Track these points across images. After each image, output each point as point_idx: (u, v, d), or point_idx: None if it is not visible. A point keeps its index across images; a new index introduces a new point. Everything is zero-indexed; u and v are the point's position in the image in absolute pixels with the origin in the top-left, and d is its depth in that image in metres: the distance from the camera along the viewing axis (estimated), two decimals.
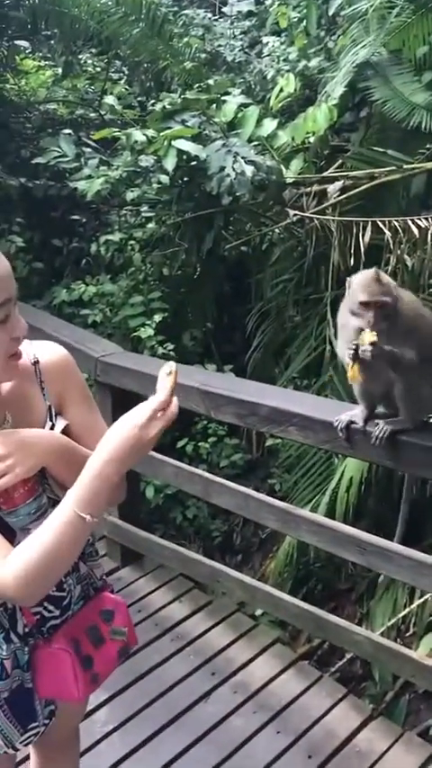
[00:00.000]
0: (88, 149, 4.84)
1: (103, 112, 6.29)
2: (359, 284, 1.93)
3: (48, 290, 4.83)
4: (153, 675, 2.83)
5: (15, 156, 5.86)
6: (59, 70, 7.87)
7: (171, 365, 1.31)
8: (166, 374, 1.29)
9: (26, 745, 1.60)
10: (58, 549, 1.25)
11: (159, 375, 1.30)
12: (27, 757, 2.02)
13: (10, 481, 1.36)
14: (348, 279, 2.00)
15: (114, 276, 4.76)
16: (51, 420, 1.50)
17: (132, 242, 4.71)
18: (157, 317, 4.17)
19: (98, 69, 7.84)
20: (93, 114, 6.71)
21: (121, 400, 3.05)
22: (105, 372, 2.99)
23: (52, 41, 7.63)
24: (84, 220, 5.24)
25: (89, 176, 4.15)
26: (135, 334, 4.10)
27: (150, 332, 4.05)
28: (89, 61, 8.12)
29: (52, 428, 1.49)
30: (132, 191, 4.28)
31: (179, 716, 2.66)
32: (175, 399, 1.27)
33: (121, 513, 3.32)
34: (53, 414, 1.51)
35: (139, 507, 3.57)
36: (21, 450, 1.37)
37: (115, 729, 2.61)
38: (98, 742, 2.55)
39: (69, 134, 5.13)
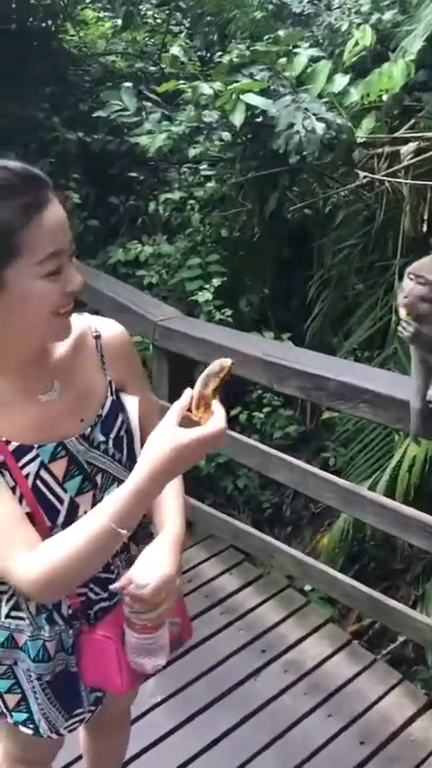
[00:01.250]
0: (149, 103, 4.68)
1: (163, 66, 6.10)
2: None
3: (102, 249, 4.72)
4: (202, 648, 2.78)
5: (74, 109, 5.74)
6: (119, 22, 7.68)
7: (226, 361, 1.17)
8: (216, 373, 1.16)
9: (71, 731, 1.54)
10: (87, 556, 1.18)
11: (208, 370, 1.17)
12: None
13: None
14: None
15: (171, 236, 4.62)
16: (112, 395, 1.39)
17: (192, 201, 4.55)
18: (216, 281, 4.03)
19: (158, 21, 7.63)
20: (153, 68, 6.53)
21: (178, 366, 2.97)
22: (164, 337, 2.89)
23: None
24: (142, 177, 5.10)
25: (150, 131, 4.00)
26: (192, 297, 3.97)
27: (208, 296, 3.92)
28: (149, 13, 7.91)
29: (113, 402, 1.39)
30: (194, 147, 4.11)
31: (228, 692, 2.61)
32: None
33: None
34: (113, 389, 1.40)
35: (191, 474, 3.49)
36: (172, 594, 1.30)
37: (163, 701, 2.55)
38: (145, 713, 2.50)
39: (130, 87, 4.97)
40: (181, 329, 2.82)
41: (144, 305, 3.05)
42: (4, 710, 1.49)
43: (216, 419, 1.14)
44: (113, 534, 1.15)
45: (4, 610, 1.41)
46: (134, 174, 5.02)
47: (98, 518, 1.17)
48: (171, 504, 1.44)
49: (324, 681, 2.65)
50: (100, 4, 8.29)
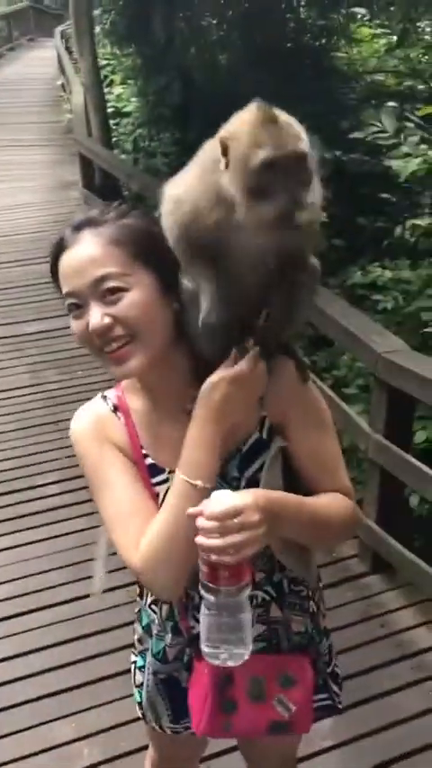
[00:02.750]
0: (411, 125, 4.54)
1: None
2: None
3: (343, 269, 4.68)
4: (384, 702, 2.62)
5: (334, 127, 5.77)
6: (394, 38, 7.59)
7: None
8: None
9: (175, 732, 1.54)
10: (174, 523, 1.20)
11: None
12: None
13: (249, 554, 1.15)
14: None
15: (415, 262, 4.45)
16: (261, 432, 1.30)
17: None
18: None
19: None
20: (422, 86, 6.35)
21: (398, 404, 2.83)
22: (387, 370, 2.77)
23: (392, 8, 7.36)
24: (394, 200, 4.98)
25: (407, 154, 3.87)
26: (427, 329, 3.79)
27: None
28: (427, 29, 7.71)
29: (259, 440, 1.30)
30: None
31: (406, 756, 2.43)
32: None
33: (379, 517, 3.12)
34: (266, 426, 1.31)
35: (399, 515, 3.31)
36: (272, 515, 1.18)
37: (334, 747, 2.46)
38: (314, 755, 2.42)
39: (394, 107, 4.87)
40: (404, 364, 2.68)
41: (370, 333, 2.95)
42: (132, 681, 1.61)
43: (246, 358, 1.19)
44: (190, 489, 1.20)
45: (149, 599, 1.47)
46: (386, 196, 4.90)
47: (174, 484, 1.23)
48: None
49: None
50: (378, 21, 8.25)
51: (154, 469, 1.32)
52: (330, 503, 1.31)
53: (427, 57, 7.32)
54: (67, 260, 1.22)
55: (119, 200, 1.33)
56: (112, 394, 1.38)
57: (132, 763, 2.37)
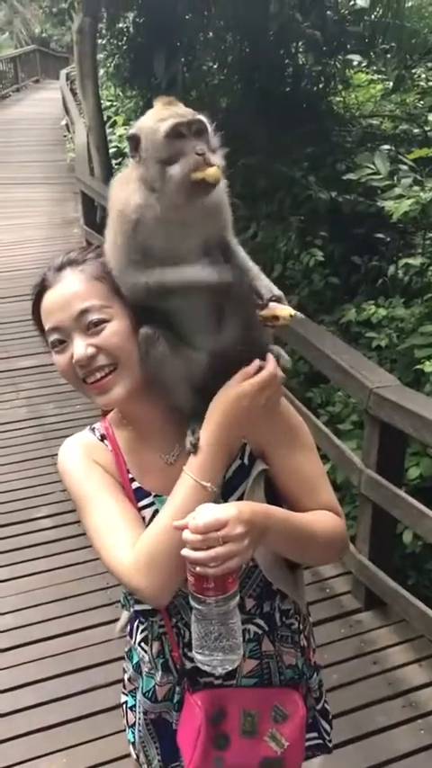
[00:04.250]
0: (404, 167, 4.66)
1: (427, 129, 6.06)
2: None
3: (338, 307, 4.76)
4: (376, 739, 2.61)
5: (331, 169, 5.90)
6: (390, 84, 7.78)
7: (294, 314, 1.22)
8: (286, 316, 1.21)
9: None
10: (173, 543, 1.18)
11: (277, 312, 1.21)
12: None
13: (234, 566, 1.17)
14: None
15: (409, 300, 4.53)
16: (242, 459, 1.34)
17: None
18: None
19: (431, 84, 7.60)
20: (417, 130, 6.51)
21: (389, 438, 2.86)
22: (378, 405, 2.81)
23: (388, 55, 7.57)
24: (388, 240, 5.09)
25: (400, 196, 3.97)
26: (419, 366, 3.84)
27: None
28: (423, 75, 7.92)
29: (241, 466, 1.34)
30: None
31: None
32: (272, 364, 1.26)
33: (372, 553, 3.13)
34: (247, 452, 1.34)
35: (392, 552, 3.33)
36: (258, 528, 1.20)
37: None
38: None
39: (389, 150, 5.01)
40: (395, 399, 2.73)
41: (362, 369, 3.00)
42: (124, 721, 1.59)
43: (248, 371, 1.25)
44: (199, 489, 1.23)
45: (138, 637, 1.47)
46: (380, 236, 5.01)
47: (182, 482, 1.24)
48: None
49: None
50: (374, 68, 8.47)
51: (140, 493, 1.35)
52: (317, 518, 1.33)
53: (422, 102, 7.50)
54: (51, 297, 1.28)
55: (96, 244, 1.38)
56: (99, 426, 1.43)
57: None
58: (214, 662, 1.19)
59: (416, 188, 3.98)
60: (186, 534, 1.13)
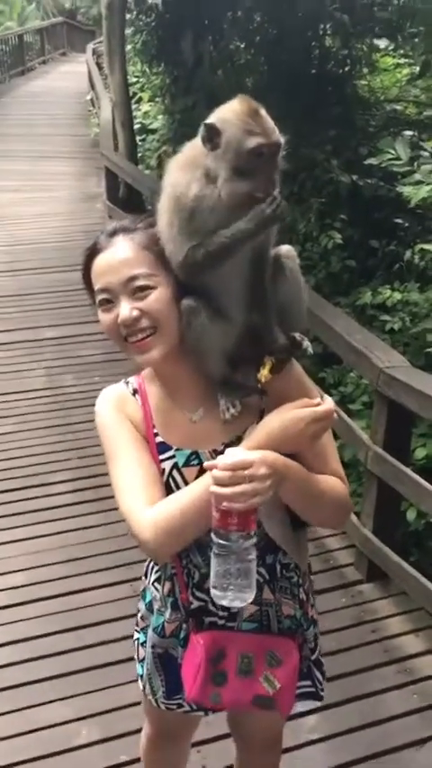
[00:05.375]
0: (426, 153, 4.71)
1: None
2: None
3: (354, 290, 4.84)
4: (370, 702, 2.73)
5: (353, 152, 5.94)
6: (417, 69, 7.76)
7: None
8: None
9: (168, 708, 1.67)
10: (193, 509, 1.34)
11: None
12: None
13: (257, 504, 1.29)
14: None
15: (424, 285, 4.60)
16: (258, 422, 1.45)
17: None
18: None
19: None
20: None
21: (397, 417, 2.96)
22: (387, 384, 2.91)
23: (416, 39, 7.55)
24: (406, 225, 5.14)
25: (419, 182, 4.03)
26: (430, 350, 3.93)
27: None
28: None
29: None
30: None
31: (386, 753, 2.54)
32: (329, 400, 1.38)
33: (376, 527, 3.24)
34: (262, 416, 1.45)
35: (396, 527, 3.44)
36: (279, 473, 1.33)
37: (320, 740, 2.58)
38: (300, 746, 2.54)
39: (413, 135, 5.04)
40: (403, 379, 2.82)
41: (374, 349, 3.09)
42: (135, 659, 1.75)
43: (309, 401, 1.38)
44: None
45: (152, 577, 1.64)
46: (399, 221, 5.06)
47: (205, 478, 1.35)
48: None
49: None
50: (401, 52, 8.45)
51: (162, 447, 1.48)
52: (326, 480, 1.46)
53: None
54: (103, 260, 1.40)
55: (146, 213, 1.50)
56: (134, 380, 1.56)
57: (127, 743, 2.49)
58: (229, 597, 1.32)
59: None
60: (216, 473, 1.27)
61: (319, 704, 1.78)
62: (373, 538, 3.24)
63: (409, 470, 2.98)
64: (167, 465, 1.47)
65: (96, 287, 1.41)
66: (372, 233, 5.22)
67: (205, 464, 1.33)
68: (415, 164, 4.24)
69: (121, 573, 3.34)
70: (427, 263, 4.54)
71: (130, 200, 7.67)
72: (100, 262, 1.41)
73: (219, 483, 1.26)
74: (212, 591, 1.34)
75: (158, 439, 1.48)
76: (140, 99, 11.97)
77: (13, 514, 3.81)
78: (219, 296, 1.38)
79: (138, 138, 10.14)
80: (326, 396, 1.41)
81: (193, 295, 1.38)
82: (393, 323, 4.32)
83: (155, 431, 1.49)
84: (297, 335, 1.42)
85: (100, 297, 1.41)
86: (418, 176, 4.09)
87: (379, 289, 4.58)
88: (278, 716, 1.78)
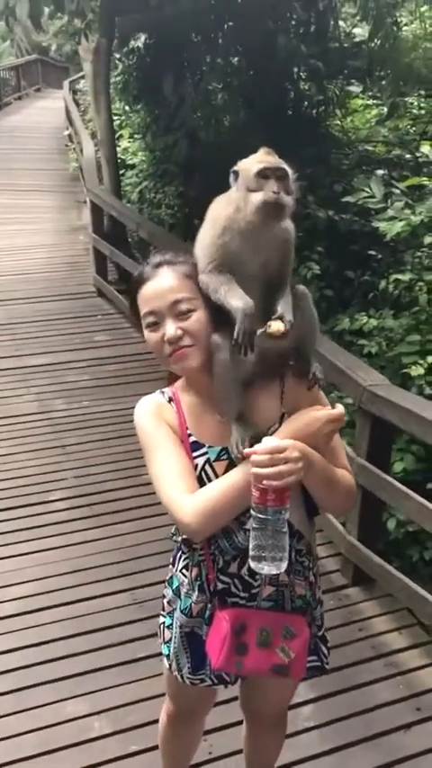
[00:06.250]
0: (397, 191, 5.08)
1: (418, 155, 6.48)
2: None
3: (333, 317, 5.15)
4: (361, 692, 2.96)
5: (329, 189, 6.31)
6: (385, 110, 8.21)
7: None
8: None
9: (192, 683, 1.89)
10: (238, 487, 1.59)
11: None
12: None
13: (292, 482, 1.53)
14: None
15: (398, 312, 4.93)
16: (280, 424, 1.69)
17: (421, 283, 4.85)
18: (431, 359, 4.27)
19: (422, 112, 8.05)
20: (408, 155, 6.95)
21: (379, 430, 3.24)
22: (370, 401, 3.20)
23: (384, 82, 8.02)
24: (380, 256, 5.49)
25: (392, 218, 4.38)
26: (406, 370, 4.24)
27: (421, 371, 4.17)
28: (414, 103, 8.35)
29: (277, 430, 1.69)
30: (430, 236, 4.42)
31: (377, 736, 2.77)
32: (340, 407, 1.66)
33: (360, 535, 3.50)
34: (285, 420, 1.69)
35: (378, 535, 3.70)
36: (307, 458, 1.59)
37: (315, 728, 2.80)
38: (298, 733, 2.75)
39: (384, 174, 5.42)
40: (385, 395, 3.11)
41: (357, 370, 3.39)
42: (161, 640, 1.95)
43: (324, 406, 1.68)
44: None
45: (180, 564, 1.86)
46: (373, 253, 5.41)
47: (242, 468, 1.60)
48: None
49: None
50: (370, 93, 8.92)
51: (195, 445, 1.72)
52: (339, 471, 1.73)
53: (414, 128, 7.93)
54: (150, 288, 1.67)
55: (184, 249, 1.76)
56: (168, 390, 1.81)
57: (137, 735, 2.71)
58: (264, 566, 1.56)
59: (407, 211, 4.39)
60: (256, 457, 1.52)
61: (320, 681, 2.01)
62: (359, 544, 3.49)
63: (389, 478, 3.25)
64: (200, 461, 1.71)
65: (144, 311, 1.67)
66: (348, 264, 5.55)
67: (246, 450, 1.57)
68: (388, 201, 4.59)
69: (122, 583, 3.56)
70: (401, 292, 4.88)
71: (114, 233, 7.97)
72: (148, 289, 1.67)
73: (259, 465, 1.51)
74: (251, 562, 1.57)
75: (192, 438, 1.73)
76: (121, 136, 12.34)
77: (16, 530, 4.01)
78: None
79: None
80: (338, 403, 1.69)
81: (222, 329, 1.63)
82: (371, 347, 4.63)
83: (188, 432, 1.73)
84: (318, 372, 1.70)
85: (148, 319, 1.67)
86: (391, 212, 4.44)
87: (356, 315, 4.91)
88: (286, 691, 2.04)
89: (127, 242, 8.22)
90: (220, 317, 1.64)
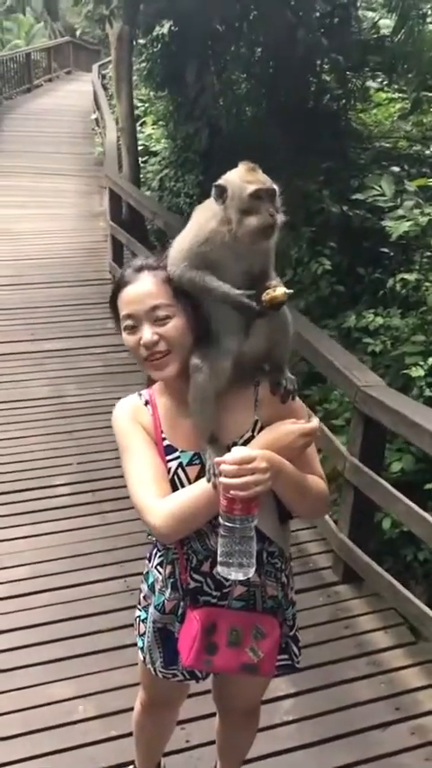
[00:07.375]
0: (410, 189, 5.05)
1: None
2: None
3: (341, 313, 5.16)
4: (342, 688, 3.00)
5: (345, 184, 6.28)
6: (408, 105, 8.12)
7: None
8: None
9: (165, 677, 1.94)
10: (199, 504, 1.63)
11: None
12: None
13: (256, 494, 1.55)
14: None
15: (405, 311, 4.92)
16: (253, 432, 1.71)
17: (428, 283, 4.83)
18: None
19: None
20: (428, 152, 6.89)
21: (371, 431, 3.27)
22: (363, 402, 3.21)
23: (409, 75, 7.93)
24: (391, 254, 5.47)
25: (401, 217, 4.36)
26: (406, 371, 4.24)
27: (421, 372, 4.16)
28: None
29: (251, 438, 1.72)
30: None
31: (354, 733, 2.81)
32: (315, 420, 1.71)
33: (352, 533, 3.53)
34: (257, 427, 1.71)
35: (371, 535, 3.73)
36: (275, 468, 1.60)
37: (294, 721, 2.85)
38: (276, 726, 2.80)
39: (401, 169, 5.37)
40: (378, 397, 3.13)
41: (353, 369, 3.40)
42: (136, 632, 2.00)
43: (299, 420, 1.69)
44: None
45: (155, 561, 1.90)
46: (384, 251, 5.39)
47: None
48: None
49: None
50: (395, 86, 8.84)
51: (169, 449, 1.76)
52: (311, 478, 1.76)
53: None
54: (131, 291, 1.69)
55: (166, 254, 1.76)
56: (145, 392, 1.85)
57: (121, 719, 2.76)
58: (232, 572, 1.60)
59: (416, 211, 4.37)
60: (224, 467, 1.55)
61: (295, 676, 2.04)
62: (349, 542, 3.52)
63: (381, 479, 3.28)
64: (173, 464, 1.75)
65: (123, 313, 1.70)
66: (359, 261, 5.54)
67: (216, 459, 1.58)
68: (398, 200, 4.57)
69: (115, 570, 3.62)
70: (408, 291, 4.86)
71: (132, 221, 8.00)
72: (128, 293, 1.70)
73: (227, 475, 1.54)
74: (219, 567, 1.61)
75: (166, 442, 1.76)
76: (144, 122, 12.35)
77: (18, 514, 4.09)
78: (216, 321, 1.67)
79: (141, 159, 10.48)
80: (313, 416, 1.72)
81: (200, 354, 1.66)
82: (375, 345, 4.63)
83: (163, 435, 1.77)
84: (289, 384, 1.71)
85: (126, 322, 1.70)
86: (400, 212, 4.42)
87: (363, 313, 4.90)
88: (257, 688, 2.08)
89: (145, 230, 8.25)
90: (197, 323, 1.67)
